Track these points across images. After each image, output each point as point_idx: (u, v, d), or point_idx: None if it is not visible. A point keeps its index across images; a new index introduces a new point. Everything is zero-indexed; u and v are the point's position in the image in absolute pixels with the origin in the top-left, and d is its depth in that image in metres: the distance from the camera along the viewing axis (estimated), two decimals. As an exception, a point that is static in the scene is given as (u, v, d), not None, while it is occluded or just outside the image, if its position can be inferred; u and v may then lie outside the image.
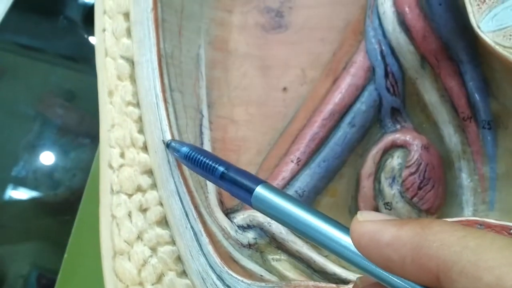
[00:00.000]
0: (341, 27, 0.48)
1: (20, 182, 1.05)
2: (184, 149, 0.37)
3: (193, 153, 0.36)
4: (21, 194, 1.04)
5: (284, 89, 0.48)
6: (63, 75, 0.99)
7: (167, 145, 0.39)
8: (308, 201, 0.44)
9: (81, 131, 0.91)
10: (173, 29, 0.45)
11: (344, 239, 0.27)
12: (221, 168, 0.34)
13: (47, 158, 0.94)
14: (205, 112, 0.46)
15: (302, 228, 0.29)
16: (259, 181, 0.32)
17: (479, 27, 0.37)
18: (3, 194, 1.04)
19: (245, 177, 0.33)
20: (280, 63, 0.49)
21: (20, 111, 1.13)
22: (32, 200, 1.04)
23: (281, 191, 0.31)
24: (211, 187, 0.44)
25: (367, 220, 0.25)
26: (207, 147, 0.45)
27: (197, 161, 0.36)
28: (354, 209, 0.45)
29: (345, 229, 0.27)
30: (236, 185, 0.33)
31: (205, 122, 0.46)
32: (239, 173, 0.34)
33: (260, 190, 0.31)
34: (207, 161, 0.35)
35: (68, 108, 0.98)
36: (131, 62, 0.42)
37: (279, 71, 0.48)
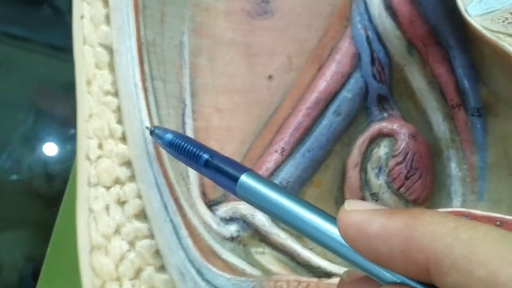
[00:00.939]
0: (328, 12, 0.47)
1: (14, 175, 1.04)
2: (168, 136, 0.35)
3: (177, 140, 0.35)
4: (15, 186, 1.03)
5: (270, 77, 0.46)
6: (57, 66, 0.97)
7: (151, 132, 0.37)
8: (293, 192, 0.43)
9: (76, 122, 0.90)
10: (155, 15, 0.43)
11: (331, 230, 0.26)
12: (205, 156, 0.33)
13: (41, 150, 0.93)
14: (188, 101, 0.45)
15: (288, 218, 0.28)
16: (244, 169, 0.31)
17: (466, 11, 0.36)
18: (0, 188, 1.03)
19: (229, 165, 0.32)
20: (265, 50, 0.47)
21: (15, 102, 1.12)
22: (26, 193, 1.03)
23: (266, 180, 0.30)
24: (193, 178, 0.43)
25: (354, 210, 0.24)
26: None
27: (181, 148, 0.34)
28: (340, 200, 0.44)
29: (332, 219, 0.26)
30: (220, 173, 0.32)
31: (188, 111, 0.44)
32: (224, 160, 0.33)
33: (244, 178, 0.30)
34: (191, 148, 0.34)
35: (63, 100, 0.97)
36: (110, 50, 0.40)
37: (265, 58, 0.47)
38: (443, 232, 0.21)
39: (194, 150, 0.34)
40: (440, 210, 0.35)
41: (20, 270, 0.62)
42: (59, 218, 0.54)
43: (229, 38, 0.47)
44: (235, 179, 0.31)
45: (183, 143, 0.34)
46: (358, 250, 0.23)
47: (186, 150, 0.34)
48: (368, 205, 0.25)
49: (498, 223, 0.35)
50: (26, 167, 1.09)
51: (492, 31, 0.35)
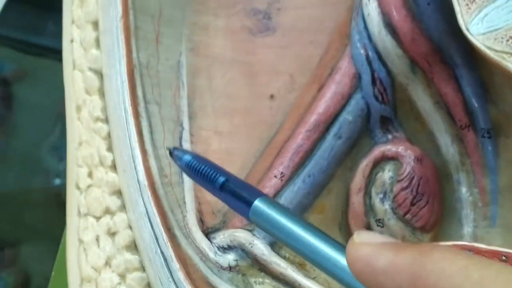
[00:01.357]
0: (331, 28, 0.45)
1: (43, 185, 1.05)
2: (187, 157, 0.35)
3: (195, 162, 0.34)
4: (44, 196, 1.03)
5: (272, 96, 0.45)
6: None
7: (170, 153, 0.36)
8: (304, 219, 0.41)
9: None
10: (149, 36, 0.42)
11: (341, 261, 0.26)
12: (221, 179, 0.33)
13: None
14: (185, 124, 0.43)
15: (298, 246, 0.28)
16: (258, 194, 0.31)
17: (468, 30, 0.33)
18: (27, 195, 1.03)
19: (244, 189, 0.32)
20: (267, 68, 0.46)
21: (42, 112, 1.12)
22: (55, 202, 1.03)
23: (280, 206, 0.31)
24: (190, 205, 0.42)
25: (363, 243, 0.24)
26: (186, 161, 0.42)
27: (198, 171, 0.34)
28: (344, 226, 0.42)
29: (343, 249, 0.26)
30: (235, 198, 0.32)
31: (186, 134, 0.43)
32: (240, 184, 0.33)
33: (258, 203, 0.31)
34: (208, 170, 0.34)
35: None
36: (100, 74, 0.39)
37: (267, 77, 0.45)
38: (452, 270, 0.20)
39: (211, 172, 0.33)
40: (442, 243, 0.33)
41: (50, 280, 0.61)
42: (62, 244, 0.54)
43: (229, 57, 0.46)
44: (249, 204, 0.31)
45: (200, 165, 0.34)
46: (365, 285, 0.23)
47: (203, 173, 0.34)
48: (377, 238, 0.24)
49: (504, 257, 0.32)
50: (54, 177, 1.09)
51: (496, 50, 0.32)
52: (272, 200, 0.32)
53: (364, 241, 0.24)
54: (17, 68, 1.13)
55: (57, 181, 1.04)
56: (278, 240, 0.31)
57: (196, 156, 0.35)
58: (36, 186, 1.07)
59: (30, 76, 1.15)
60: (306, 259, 0.29)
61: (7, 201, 1.03)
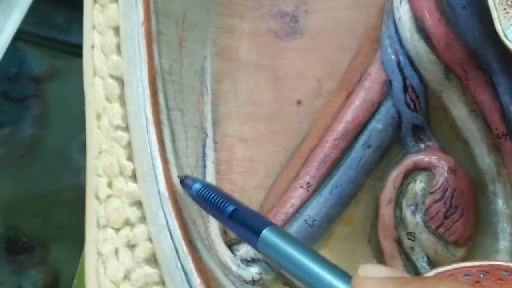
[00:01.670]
0: (361, 31, 0.43)
1: (74, 183, 1.05)
2: (196, 186, 0.35)
3: (204, 190, 0.35)
4: (74, 195, 1.03)
5: (298, 102, 0.43)
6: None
7: (181, 181, 0.37)
8: (320, 230, 0.39)
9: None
10: (172, 41, 0.41)
11: None
12: (230, 208, 0.33)
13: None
14: (209, 130, 0.42)
15: (305, 278, 0.28)
16: (267, 224, 0.32)
17: (505, 35, 0.31)
18: (58, 194, 1.03)
19: (253, 218, 0.33)
20: (294, 73, 0.44)
21: (73, 110, 1.12)
22: (85, 201, 1.03)
23: (289, 235, 0.31)
24: (212, 216, 0.40)
25: (367, 278, 0.24)
26: (210, 170, 0.41)
27: (207, 200, 0.35)
28: (373, 239, 0.40)
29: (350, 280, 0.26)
30: (244, 227, 0.33)
31: (209, 142, 0.42)
32: (248, 214, 0.33)
33: (266, 233, 0.31)
34: (217, 199, 0.34)
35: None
36: (120, 81, 0.38)
37: (293, 82, 0.44)
38: None
39: (220, 201, 0.34)
40: (474, 263, 0.31)
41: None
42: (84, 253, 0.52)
43: (255, 61, 0.44)
44: (257, 234, 0.31)
45: (210, 193, 0.35)
46: None
47: (212, 202, 0.34)
48: (383, 271, 0.24)
49: (543, 279, 0.30)
50: (84, 175, 1.09)
51: (535, 57, 0.30)
52: (281, 230, 0.32)
53: (369, 275, 0.24)
54: (48, 66, 1.13)
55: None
56: (286, 271, 0.31)
57: (206, 185, 0.35)
58: (66, 184, 1.07)
59: (61, 74, 1.15)
60: None
61: (38, 200, 1.03)
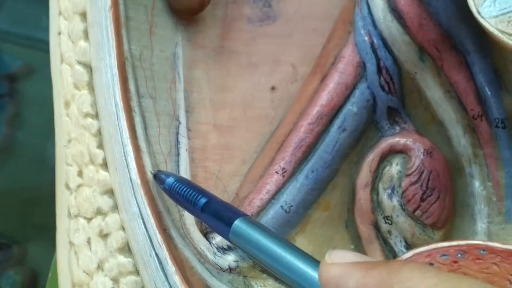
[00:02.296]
0: (335, 15, 0.42)
1: (51, 182, 1.03)
2: (169, 180, 0.35)
3: (176, 184, 0.35)
4: (52, 194, 1.02)
5: (273, 88, 0.42)
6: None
7: (154, 176, 0.36)
8: (297, 216, 0.39)
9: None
10: (141, 27, 0.40)
11: (317, 282, 0.26)
12: (202, 200, 0.34)
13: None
14: (182, 118, 0.41)
15: (276, 266, 0.29)
16: (238, 215, 0.32)
17: (479, 12, 0.31)
18: (35, 195, 1.02)
19: (225, 209, 0.33)
20: (268, 59, 0.43)
21: (49, 109, 1.11)
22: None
23: (261, 226, 0.31)
24: (187, 203, 0.39)
25: (334, 263, 0.24)
26: (184, 157, 0.40)
27: (180, 193, 0.34)
28: (351, 224, 0.40)
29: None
30: (216, 219, 0.33)
31: (182, 129, 0.41)
32: (220, 206, 0.33)
33: (238, 224, 0.31)
34: (189, 192, 0.34)
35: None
36: (89, 68, 0.37)
37: (267, 68, 0.43)
38: None
39: (192, 194, 0.34)
40: (452, 243, 0.30)
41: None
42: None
43: (228, 48, 0.43)
44: (229, 225, 0.32)
45: (183, 186, 0.34)
46: None
47: (185, 195, 0.34)
48: (349, 257, 0.24)
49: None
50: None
51: (510, 34, 0.30)
52: (252, 220, 0.32)
53: (336, 261, 0.24)
54: (23, 65, 1.11)
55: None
56: (258, 261, 0.31)
57: (178, 178, 0.35)
58: (43, 183, 1.06)
59: (36, 72, 1.13)
60: (285, 279, 0.29)
61: (14, 199, 1.01)
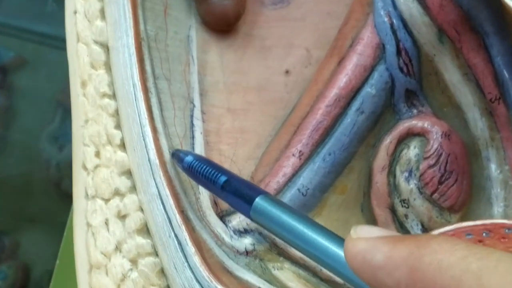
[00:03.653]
0: (350, -1, 0.42)
1: (43, 174, 1.02)
2: (188, 159, 0.35)
3: (196, 163, 0.34)
4: (44, 186, 1.01)
5: (287, 72, 0.42)
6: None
7: (172, 155, 0.36)
8: (314, 199, 0.38)
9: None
10: (156, 8, 0.39)
11: (342, 257, 0.25)
12: (222, 178, 0.33)
13: (70, 149, 0.90)
14: (197, 101, 0.41)
15: (299, 243, 0.29)
16: (259, 192, 0.31)
17: (504, -8, 0.31)
18: (27, 185, 1.01)
19: (245, 188, 0.33)
20: (282, 42, 0.43)
21: (42, 100, 1.10)
22: (55, 193, 1.01)
23: (282, 203, 0.31)
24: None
25: (360, 238, 0.23)
26: (199, 140, 0.40)
27: (199, 172, 0.34)
28: (367, 207, 0.40)
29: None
30: (236, 197, 0.32)
31: (197, 112, 0.40)
32: (241, 183, 0.33)
33: (259, 201, 0.31)
34: (209, 170, 0.34)
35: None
36: (106, 47, 0.37)
37: (281, 51, 0.43)
38: (451, 262, 0.19)
39: (212, 172, 0.34)
40: (477, 222, 0.30)
41: (51, 271, 0.59)
42: (67, 231, 0.51)
43: (241, 31, 0.43)
44: (250, 203, 0.31)
45: (202, 165, 0.34)
46: (364, 281, 0.23)
47: (204, 173, 0.34)
48: (375, 231, 0.24)
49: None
50: (55, 167, 1.07)
51: (536, 14, 0.30)
52: (273, 198, 0.31)
53: (361, 236, 0.23)
54: (16, 56, 1.10)
55: (57, 170, 1.01)
56: (280, 239, 0.31)
57: (197, 157, 0.35)
58: (36, 177, 1.05)
59: (29, 64, 1.12)
60: (308, 256, 0.29)
61: (7, 193, 1.00)
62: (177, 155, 0.36)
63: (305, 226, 0.29)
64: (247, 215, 0.32)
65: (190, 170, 0.35)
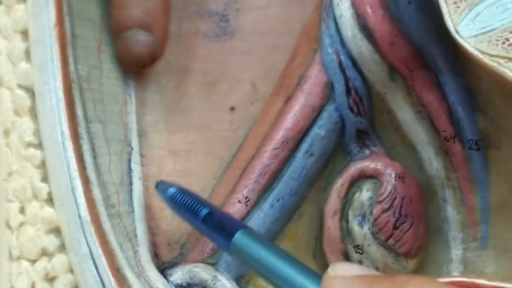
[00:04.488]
0: (297, 31, 0.40)
1: None
2: (171, 190, 0.35)
3: (179, 195, 0.34)
4: None
5: (232, 108, 0.40)
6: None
7: (156, 186, 0.36)
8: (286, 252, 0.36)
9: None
10: (89, 45, 0.36)
11: None
12: (204, 211, 0.33)
13: None
14: (135, 143, 0.38)
15: (276, 280, 0.28)
16: (240, 227, 0.31)
17: (457, 32, 0.29)
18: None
19: (227, 221, 0.32)
20: (227, 77, 0.40)
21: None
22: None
23: (262, 238, 0.30)
24: (142, 238, 0.36)
25: (337, 276, 0.23)
26: (137, 186, 0.37)
27: (181, 203, 0.34)
28: (318, 253, 0.38)
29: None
30: (217, 230, 0.32)
31: (135, 156, 0.38)
32: (222, 217, 0.33)
33: (239, 236, 0.30)
34: (191, 202, 0.33)
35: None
36: (31, 92, 0.34)
37: (226, 87, 0.40)
38: None
39: (194, 204, 0.33)
40: (440, 279, 0.28)
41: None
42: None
43: (183, 66, 0.40)
44: (230, 237, 0.30)
45: (184, 197, 0.34)
46: None
47: (186, 205, 0.33)
48: (353, 270, 0.24)
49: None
50: None
51: (491, 55, 0.28)
52: (254, 233, 0.31)
53: (339, 274, 0.23)
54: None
55: None
56: (258, 274, 0.30)
57: (180, 189, 0.35)
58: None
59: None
60: None
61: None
62: (160, 186, 0.36)
63: (284, 262, 0.28)
64: (227, 249, 0.31)
65: (172, 202, 0.34)
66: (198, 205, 0.33)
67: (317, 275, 0.26)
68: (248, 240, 0.30)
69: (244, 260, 0.30)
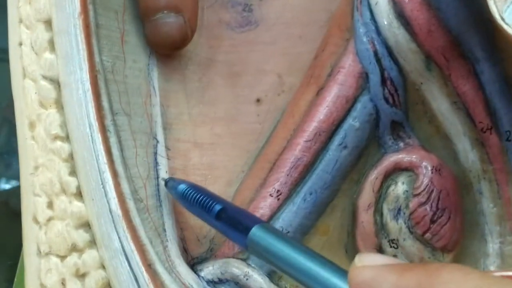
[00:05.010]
0: (324, 20, 0.39)
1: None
2: (181, 187, 0.34)
3: (189, 191, 0.33)
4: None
5: (258, 100, 0.38)
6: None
7: (165, 184, 0.35)
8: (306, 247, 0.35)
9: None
10: (112, 35, 0.35)
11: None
12: (218, 207, 0.32)
13: (18, 165, 0.84)
14: (160, 136, 0.37)
15: (298, 275, 0.27)
16: (255, 222, 0.30)
17: (502, 18, 0.28)
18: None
19: (242, 216, 0.31)
20: (251, 68, 0.39)
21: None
22: (3, 213, 0.95)
23: (280, 233, 0.30)
24: (171, 233, 0.35)
25: (365, 266, 0.22)
26: (164, 181, 0.36)
27: (194, 200, 0.33)
28: (351, 248, 0.37)
29: (346, 275, 0.24)
30: (232, 226, 0.31)
31: (161, 149, 0.36)
32: (236, 212, 0.32)
33: (255, 231, 0.29)
34: (203, 199, 0.32)
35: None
36: (56, 83, 0.32)
37: (251, 78, 0.39)
38: None
39: (207, 201, 0.32)
40: (491, 273, 0.27)
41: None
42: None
43: (206, 56, 0.39)
44: (246, 232, 0.29)
45: (196, 193, 0.33)
46: None
47: (199, 201, 0.32)
48: (380, 259, 0.23)
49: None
50: (2, 183, 1.01)
51: (537, 41, 0.27)
52: (271, 228, 0.30)
53: (366, 264, 0.23)
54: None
55: (5, 188, 0.96)
56: (277, 270, 0.29)
57: (191, 185, 0.33)
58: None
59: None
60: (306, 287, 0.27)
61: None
62: (169, 184, 0.34)
63: (304, 257, 0.27)
64: (243, 245, 0.30)
65: (184, 199, 0.33)
66: (211, 201, 0.32)
67: (339, 268, 0.26)
68: (265, 234, 0.29)
69: (261, 255, 0.29)
